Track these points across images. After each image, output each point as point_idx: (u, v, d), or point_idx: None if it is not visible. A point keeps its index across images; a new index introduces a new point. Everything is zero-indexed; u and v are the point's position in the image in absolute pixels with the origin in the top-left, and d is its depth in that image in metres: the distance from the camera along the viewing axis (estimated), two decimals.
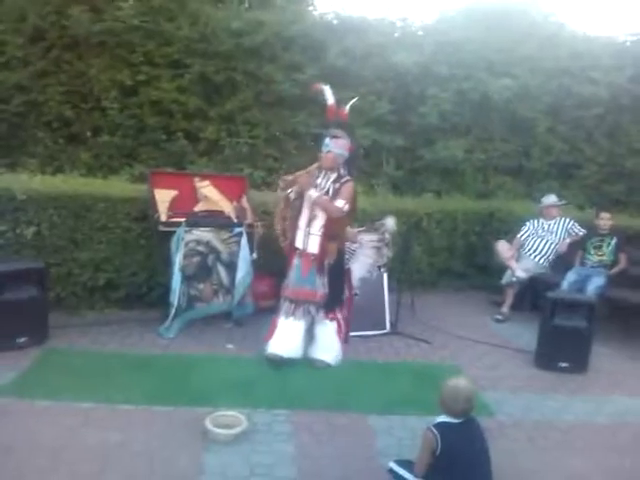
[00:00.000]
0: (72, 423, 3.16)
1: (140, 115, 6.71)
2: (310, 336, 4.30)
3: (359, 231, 4.83)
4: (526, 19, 8.03)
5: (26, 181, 4.76)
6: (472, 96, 7.06)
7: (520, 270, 5.69)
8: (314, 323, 4.25)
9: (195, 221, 4.65)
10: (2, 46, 6.59)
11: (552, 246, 5.85)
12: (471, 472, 2.44)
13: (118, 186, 5.20)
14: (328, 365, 4.21)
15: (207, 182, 5.02)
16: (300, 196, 4.20)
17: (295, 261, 4.19)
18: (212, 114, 6.85)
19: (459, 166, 7.20)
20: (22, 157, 6.33)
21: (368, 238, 4.83)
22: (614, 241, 5.51)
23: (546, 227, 5.93)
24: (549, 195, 6.16)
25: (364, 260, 4.79)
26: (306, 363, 4.21)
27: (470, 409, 2.52)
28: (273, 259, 4.79)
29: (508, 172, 7.50)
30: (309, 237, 4.13)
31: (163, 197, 4.75)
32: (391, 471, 2.65)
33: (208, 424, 3.14)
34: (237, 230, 4.75)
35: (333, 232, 4.14)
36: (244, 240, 4.72)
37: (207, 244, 4.69)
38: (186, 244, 4.56)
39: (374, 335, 4.94)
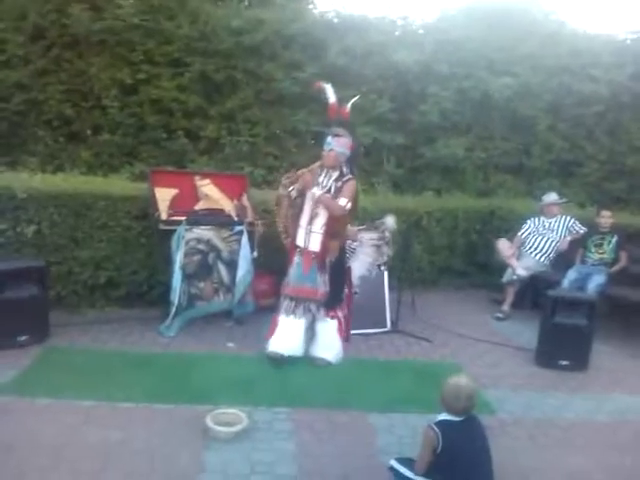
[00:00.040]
0: (73, 421, 3.16)
1: (140, 114, 6.71)
2: (311, 334, 4.30)
3: (359, 229, 4.83)
4: (527, 17, 8.02)
5: (26, 180, 4.76)
6: (473, 94, 7.06)
7: (521, 268, 5.69)
8: (315, 321, 4.25)
9: (196, 219, 4.65)
10: (2, 44, 6.59)
11: (553, 244, 5.84)
12: (472, 470, 2.44)
13: (118, 184, 5.20)
14: (329, 363, 4.21)
15: (207, 180, 5.02)
16: (301, 194, 4.20)
17: (296, 259, 4.19)
18: (212, 112, 6.85)
19: (460, 164, 7.20)
20: (22, 156, 6.33)
21: (368, 236, 4.84)
22: (615, 239, 5.51)
23: (547, 225, 5.93)
24: (550, 193, 6.16)
25: (364, 259, 4.80)
26: (307, 361, 4.21)
27: (471, 407, 2.52)
28: (273, 257, 4.79)
29: (509, 170, 7.49)
30: (310, 235, 4.13)
31: (164, 196, 4.75)
32: (392, 469, 2.65)
33: (209, 422, 3.14)
34: (238, 228, 4.74)
35: (335, 230, 4.15)
36: (245, 238, 4.72)
37: (208, 242, 4.69)
38: (187, 242, 4.56)
39: (375, 333, 4.94)
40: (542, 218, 5.99)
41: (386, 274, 5.13)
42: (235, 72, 6.84)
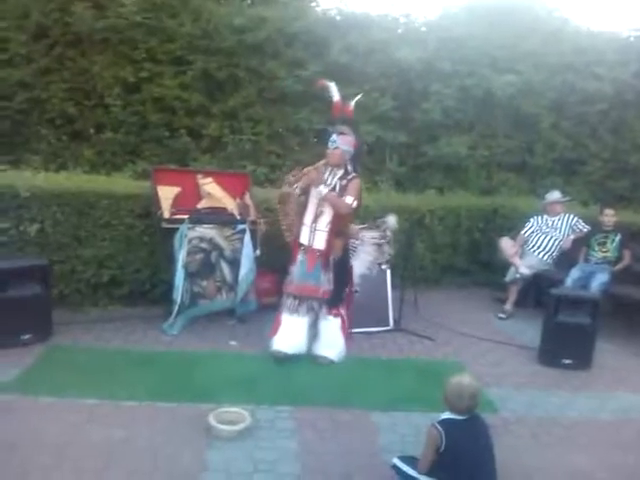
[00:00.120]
0: (76, 420, 3.17)
1: (143, 112, 6.71)
2: (314, 332, 4.30)
3: (361, 228, 4.83)
4: (530, 15, 8.00)
5: (30, 178, 4.77)
6: (475, 92, 7.04)
7: (524, 267, 5.68)
8: (318, 319, 4.25)
9: (198, 218, 4.65)
10: (5, 43, 6.59)
11: (556, 243, 5.83)
12: (475, 469, 2.44)
13: (121, 183, 5.20)
14: (331, 362, 4.21)
15: (210, 179, 5.02)
16: (305, 192, 4.19)
17: (299, 257, 4.18)
18: (215, 111, 6.85)
19: (462, 162, 7.18)
20: (25, 154, 6.34)
21: (369, 235, 4.84)
22: (618, 237, 5.50)
23: (550, 223, 5.92)
24: (553, 191, 6.14)
25: (365, 257, 4.80)
26: (309, 359, 4.21)
27: (474, 406, 2.52)
28: (276, 256, 4.79)
29: (512, 168, 7.48)
30: (315, 233, 4.12)
31: (166, 194, 4.75)
32: (395, 467, 2.65)
33: (211, 420, 3.14)
34: (240, 227, 4.75)
35: (339, 228, 4.14)
36: (247, 237, 4.72)
37: (210, 241, 4.69)
38: (189, 241, 4.56)
39: (377, 332, 4.94)
40: (545, 216, 5.98)
41: (389, 272, 5.12)
42: (237, 70, 6.84)
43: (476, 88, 7.03)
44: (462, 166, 7.23)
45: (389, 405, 3.62)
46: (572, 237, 5.83)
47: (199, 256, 4.67)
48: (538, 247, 5.86)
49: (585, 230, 5.81)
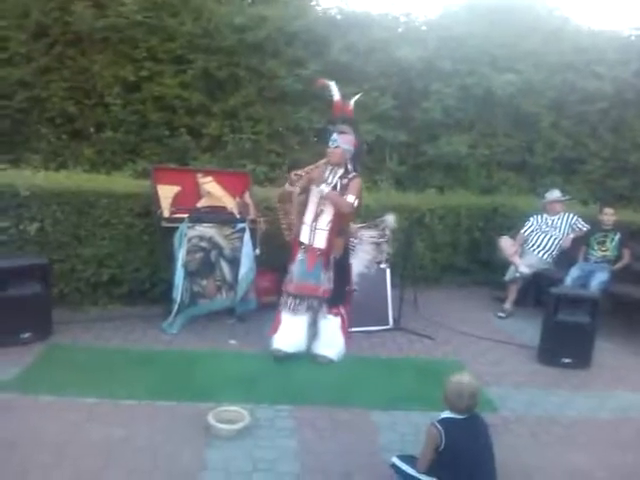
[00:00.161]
0: (76, 418, 3.17)
1: (143, 111, 6.71)
2: (313, 331, 4.30)
3: (360, 227, 4.84)
4: (530, 13, 7.99)
5: (29, 177, 4.77)
6: (476, 91, 7.03)
7: (524, 266, 5.68)
8: (317, 318, 4.25)
9: (198, 217, 4.65)
10: (5, 42, 6.59)
11: (556, 241, 5.83)
12: (475, 468, 2.45)
13: (121, 182, 5.20)
14: (331, 361, 4.21)
15: (210, 178, 5.02)
16: (305, 191, 4.19)
17: (299, 256, 4.17)
18: (215, 110, 6.85)
19: (462, 161, 7.18)
20: (25, 153, 6.34)
21: (368, 234, 4.84)
22: (618, 236, 5.50)
23: (550, 222, 5.92)
24: (553, 190, 6.14)
25: (363, 256, 4.80)
26: (309, 358, 4.22)
27: (474, 405, 2.52)
28: (276, 255, 4.80)
29: (512, 167, 7.47)
30: (315, 232, 4.11)
31: (166, 193, 4.75)
32: (394, 466, 2.66)
33: (211, 419, 3.15)
34: (240, 226, 4.75)
35: (341, 227, 4.15)
36: (247, 236, 4.72)
37: (210, 240, 4.69)
38: (189, 240, 4.57)
39: (377, 331, 4.94)
40: (545, 215, 5.98)
41: (388, 271, 5.12)
42: (238, 69, 6.84)
43: (476, 87, 7.02)
44: (462, 165, 7.23)
45: (389, 404, 3.62)
46: (572, 236, 5.83)
47: (199, 255, 4.67)
48: (538, 246, 5.86)
49: (585, 229, 5.81)
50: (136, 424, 3.17)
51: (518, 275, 5.72)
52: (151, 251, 5.02)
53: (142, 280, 5.08)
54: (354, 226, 4.65)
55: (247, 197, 5.05)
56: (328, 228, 4.09)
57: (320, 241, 4.11)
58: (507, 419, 3.55)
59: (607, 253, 5.51)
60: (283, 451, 3.02)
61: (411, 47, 6.92)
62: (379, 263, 5.00)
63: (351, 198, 4.03)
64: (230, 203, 4.95)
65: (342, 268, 4.27)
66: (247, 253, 4.73)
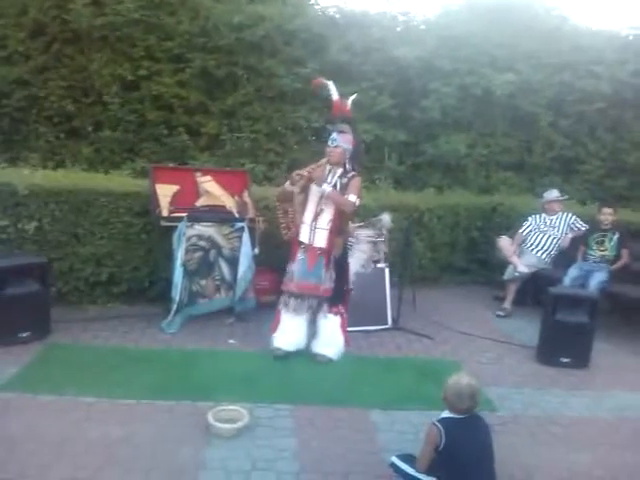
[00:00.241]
0: (74, 417, 3.17)
1: (141, 110, 6.71)
2: (313, 330, 4.30)
3: (357, 226, 4.84)
4: (528, 13, 8.01)
5: (28, 176, 4.76)
6: (474, 91, 7.03)
7: (522, 265, 5.68)
8: (317, 317, 4.25)
9: (197, 216, 4.64)
10: (3, 40, 6.59)
11: (554, 241, 5.84)
12: (474, 468, 2.44)
13: (119, 181, 5.20)
14: (330, 360, 4.20)
15: (209, 177, 5.01)
16: (304, 190, 4.18)
17: (299, 255, 4.16)
18: (213, 109, 6.84)
19: (461, 161, 7.18)
20: (24, 152, 6.34)
21: (365, 233, 4.84)
22: (616, 236, 5.50)
23: (548, 222, 5.92)
24: (551, 190, 6.15)
25: (359, 255, 4.80)
26: (308, 358, 4.21)
27: (474, 406, 2.52)
28: (274, 254, 4.80)
29: (510, 167, 7.48)
30: (315, 231, 4.11)
31: (165, 192, 4.74)
32: (393, 466, 2.65)
33: (210, 418, 3.14)
34: (239, 225, 4.74)
35: (341, 227, 4.14)
36: (246, 235, 4.72)
37: (209, 239, 4.69)
38: (188, 239, 4.56)
39: (376, 330, 4.93)
40: (543, 215, 5.98)
41: (387, 271, 5.12)
42: (236, 68, 6.83)
43: (475, 87, 7.03)
44: (461, 165, 7.24)
45: (388, 404, 3.62)
46: (570, 236, 5.83)
47: (198, 254, 4.67)
48: (536, 246, 5.86)
49: (583, 229, 5.81)
50: (135, 423, 3.16)
51: (517, 275, 5.72)
52: (150, 250, 5.01)
53: (141, 279, 5.07)
54: (351, 225, 4.65)
55: (246, 196, 5.05)
56: (329, 227, 4.09)
57: (320, 240, 4.10)
58: (506, 419, 3.54)
59: (606, 253, 5.52)
60: (282, 450, 3.02)
61: (410, 46, 6.93)
62: (376, 262, 5.00)
63: (353, 197, 4.03)
64: (229, 202, 4.94)
65: (341, 267, 4.27)
66: (246, 252, 4.72)
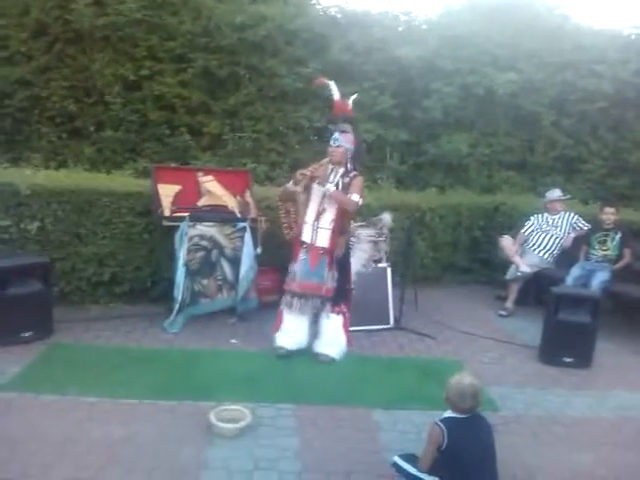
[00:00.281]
0: (77, 417, 3.17)
1: (143, 110, 6.72)
2: (315, 329, 4.30)
3: (358, 226, 4.84)
4: (530, 12, 8.00)
5: (30, 176, 4.77)
6: (476, 90, 7.02)
7: (524, 265, 5.67)
8: (320, 317, 4.25)
9: (199, 216, 4.64)
10: (5, 41, 6.60)
11: (557, 241, 5.83)
12: (476, 467, 2.44)
13: (122, 181, 5.20)
14: (332, 359, 4.20)
15: (211, 177, 5.01)
16: (306, 190, 4.18)
17: (302, 255, 4.16)
18: (215, 109, 6.85)
19: (463, 161, 7.18)
20: (26, 152, 6.35)
21: (366, 233, 4.84)
22: (619, 236, 5.49)
23: (550, 222, 5.91)
24: (553, 190, 6.14)
25: (361, 255, 4.80)
26: (310, 357, 4.21)
27: (477, 406, 2.52)
28: (276, 254, 4.79)
29: (512, 166, 7.48)
30: (318, 231, 4.11)
31: (167, 192, 4.74)
32: (395, 465, 2.65)
33: (212, 418, 3.14)
34: (241, 225, 4.74)
35: (343, 226, 4.15)
36: (248, 235, 4.72)
37: (211, 239, 4.69)
38: (190, 239, 4.56)
39: (378, 330, 4.93)
40: (546, 215, 5.97)
41: (389, 271, 5.12)
42: (238, 68, 6.84)
43: (477, 86, 7.01)
44: (463, 164, 7.23)
45: (390, 403, 3.62)
46: (572, 235, 5.82)
47: (200, 254, 4.67)
48: (539, 245, 5.86)
49: (585, 228, 5.80)
50: (137, 423, 3.17)
51: (519, 274, 5.71)
52: (152, 250, 5.01)
53: (143, 279, 5.07)
54: (353, 225, 4.65)
55: (248, 196, 5.05)
56: (331, 227, 4.09)
57: (323, 240, 4.10)
58: (508, 418, 3.54)
59: (608, 252, 5.51)
60: (284, 450, 3.02)
61: (411, 46, 6.92)
62: (377, 262, 5.00)
63: (356, 197, 4.03)
64: (231, 202, 4.94)
65: (343, 267, 4.27)
66: (248, 252, 4.72)
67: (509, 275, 5.80)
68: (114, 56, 6.68)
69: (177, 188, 4.80)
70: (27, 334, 4.09)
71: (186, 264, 4.54)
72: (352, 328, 4.45)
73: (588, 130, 7.47)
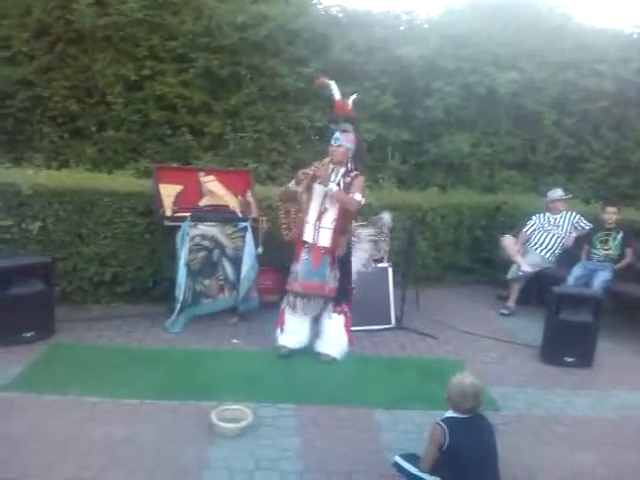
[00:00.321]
0: (78, 417, 3.18)
1: (145, 110, 6.73)
2: (317, 329, 4.30)
3: (357, 225, 4.84)
4: (532, 11, 7.99)
5: (32, 176, 4.77)
6: (478, 90, 7.02)
7: (526, 265, 5.67)
8: (321, 316, 4.25)
9: (200, 216, 4.65)
10: (7, 41, 6.62)
11: (558, 240, 5.82)
12: (478, 467, 2.44)
13: (123, 181, 5.21)
14: (334, 359, 4.21)
15: (212, 177, 5.01)
16: (307, 190, 4.18)
17: (303, 255, 4.15)
18: (217, 109, 6.86)
19: (465, 160, 7.17)
20: (28, 152, 6.36)
21: (366, 232, 4.84)
22: (620, 235, 5.48)
23: (552, 221, 5.91)
24: (555, 189, 6.13)
25: (361, 254, 4.80)
26: (312, 357, 4.22)
27: (478, 405, 2.51)
28: (278, 254, 4.79)
29: (514, 166, 7.47)
30: (319, 231, 4.10)
31: (168, 192, 4.75)
32: (396, 465, 2.65)
33: (214, 418, 3.15)
34: (242, 225, 4.75)
35: (344, 225, 4.15)
36: (249, 235, 4.72)
37: (212, 239, 4.69)
38: (191, 239, 4.56)
39: (379, 330, 4.93)
40: (547, 214, 5.97)
41: (390, 270, 5.12)
42: (239, 68, 6.85)
43: (478, 85, 7.01)
44: (464, 164, 7.22)
45: (391, 403, 3.62)
46: (574, 235, 5.82)
47: (201, 254, 4.67)
48: (540, 245, 5.85)
49: (587, 228, 5.79)
50: (139, 423, 3.17)
51: (521, 274, 5.71)
52: (153, 250, 5.01)
53: (144, 279, 5.08)
54: (353, 224, 4.65)
55: (249, 196, 5.05)
56: (333, 227, 4.08)
57: (324, 240, 4.10)
58: (509, 418, 3.54)
59: (610, 252, 5.50)
60: (286, 450, 3.02)
61: (413, 45, 6.92)
62: (377, 261, 5.00)
63: (358, 196, 4.03)
64: (232, 202, 4.95)
65: (345, 266, 4.27)
66: (249, 252, 4.73)
67: (510, 275, 5.80)
68: (116, 56, 6.70)
69: (178, 188, 4.81)
70: (29, 334, 4.10)
71: (187, 264, 4.55)
72: (353, 328, 4.44)
73: (590, 129, 7.47)
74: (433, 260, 6.37)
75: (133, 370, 3.84)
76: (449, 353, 4.61)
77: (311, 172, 4.04)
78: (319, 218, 4.10)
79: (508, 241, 5.89)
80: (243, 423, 3.15)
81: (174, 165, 6.03)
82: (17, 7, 6.65)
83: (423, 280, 5.90)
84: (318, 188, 4.10)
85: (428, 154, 7.22)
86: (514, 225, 6.22)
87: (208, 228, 4.67)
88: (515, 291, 5.81)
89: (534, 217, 6.02)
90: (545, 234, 5.87)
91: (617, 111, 7.35)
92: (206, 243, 4.67)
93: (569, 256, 5.77)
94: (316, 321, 4.30)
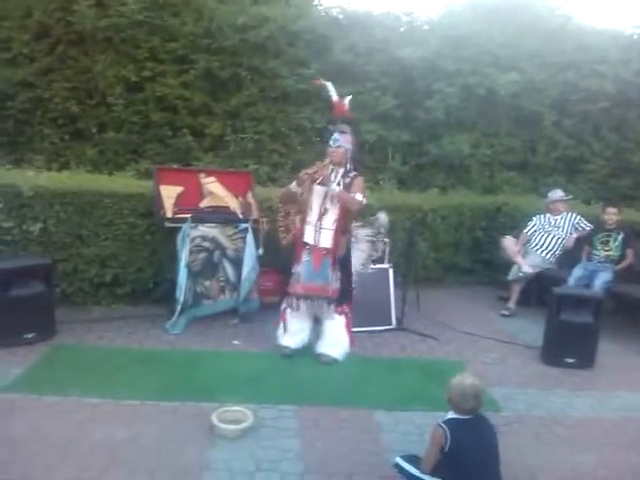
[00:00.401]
0: (79, 418, 3.18)
1: (145, 111, 6.73)
2: (318, 330, 4.30)
3: (357, 225, 4.84)
4: (532, 12, 7.99)
5: (32, 177, 4.77)
6: (478, 91, 7.02)
7: (527, 266, 5.67)
8: (323, 317, 4.25)
9: (201, 217, 4.65)
10: (8, 42, 6.62)
11: (559, 241, 5.82)
12: (479, 469, 2.43)
13: (124, 182, 5.20)
14: (335, 360, 4.20)
15: (212, 178, 5.01)
16: (307, 191, 4.18)
17: (305, 257, 4.14)
18: (217, 110, 6.86)
19: (465, 161, 7.17)
20: (28, 153, 6.37)
21: (364, 232, 4.84)
22: (621, 236, 5.48)
23: (553, 222, 5.90)
24: (555, 190, 6.13)
25: (359, 254, 4.79)
26: (313, 358, 4.21)
27: (479, 406, 2.51)
28: (278, 255, 4.79)
29: (514, 167, 7.47)
30: (320, 232, 4.10)
31: (169, 193, 4.75)
32: (397, 466, 2.64)
33: (214, 419, 3.15)
34: (243, 226, 4.75)
35: (345, 226, 4.15)
36: (249, 236, 4.72)
37: (213, 240, 4.69)
38: (192, 240, 4.57)
39: (380, 331, 4.93)
40: (548, 215, 5.97)
41: (391, 271, 5.12)
42: (240, 69, 6.85)
43: (479, 87, 7.01)
44: (465, 165, 7.23)
45: (392, 404, 3.62)
46: (575, 236, 5.81)
47: (202, 255, 4.67)
48: (541, 246, 5.85)
49: (588, 229, 5.79)
50: (139, 424, 3.17)
51: (521, 275, 5.71)
52: (154, 251, 5.01)
53: (145, 280, 5.08)
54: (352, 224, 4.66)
55: (250, 197, 5.05)
56: (334, 227, 4.08)
57: (326, 240, 4.09)
58: (510, 419, 3.54)
59: (610, 253, 5.49)
60: (286, 451, 3.02)
61: (413, 47, 6.93)
62: (375, 261, 5.00)
63: (359, 196, 4.04)
64: (233, 203, 4.95)
65: (345, 266, 4.27)
66: (250, 253, 4.73)
67: (511, 276, 5.80)
68: (116, 57, 6.70)
69: (179, 189, 4.81)
70: (29, 335, 4.10)
71: (188, 265, 4.55)
72: (354, 329, 4.43)
73: (590, 130, 7.46)
74: (434, 261, 6.37)
75: (134, 371, 3.84)
76: (450, 354, 4.61)
77: (313, 173, 4.05)
78: (320, 219, 4.10)
79: (509, 242, 5.89)
80: (244, 424, 3.15)
81: (175, 166, 6.03)
82: (18, 9, 6.66)
83: (424, 281, 5.90)
84: (318, 189, 4.10)
85: (428, 155, 7.22)
86: (515, 226, 6.22)
87: (209, 229, 4.67)
88: (516, 292, 5.81)
89: (534, 218, 6.01)
90: (546, 235, 5.87)
91: (617, 112, 7.35)
92: (207, 244, 4.68)
93: (570, 257, 5.77)
94: (317, 322, 4.29)
